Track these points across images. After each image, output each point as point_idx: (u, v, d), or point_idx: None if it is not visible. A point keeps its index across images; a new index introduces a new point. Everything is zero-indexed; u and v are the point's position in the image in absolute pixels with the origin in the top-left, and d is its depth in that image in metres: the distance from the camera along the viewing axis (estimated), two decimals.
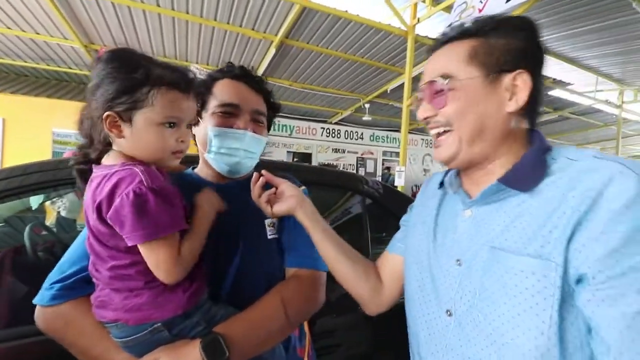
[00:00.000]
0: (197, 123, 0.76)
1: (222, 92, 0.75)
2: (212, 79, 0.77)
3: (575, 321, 0.43)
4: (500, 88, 0.51)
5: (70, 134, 5.46)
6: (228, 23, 3.99)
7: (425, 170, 9.34)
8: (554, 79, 5.72)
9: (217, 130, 0.72)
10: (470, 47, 0.53)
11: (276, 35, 4.21)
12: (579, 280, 0.42)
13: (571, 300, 0.43)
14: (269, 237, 0.77)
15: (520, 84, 0.51)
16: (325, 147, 8.20)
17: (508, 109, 0.51)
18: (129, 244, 0.52)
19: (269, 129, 0.86)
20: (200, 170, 0.81)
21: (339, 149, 8.38)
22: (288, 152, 7.71)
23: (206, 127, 0.73)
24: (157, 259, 0.54)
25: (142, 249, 0.53)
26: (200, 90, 0.73)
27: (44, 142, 5.21)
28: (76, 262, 0.65)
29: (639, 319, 0.37)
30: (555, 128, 9.01)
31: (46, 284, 0.64)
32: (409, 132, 5.82)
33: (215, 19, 3.91)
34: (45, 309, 0.62)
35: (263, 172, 0.73)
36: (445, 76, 0.53)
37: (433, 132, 0.58)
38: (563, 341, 0.42)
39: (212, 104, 0.74)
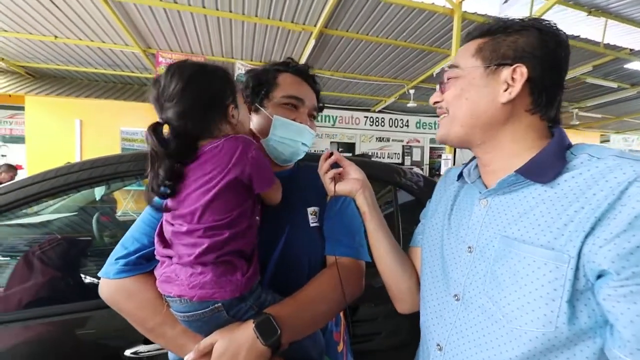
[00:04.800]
0: (256, 110, 0.80)
1: (289, 85, 0.80)
2: (277, 71, 0.82)
3: (589, 312, 0.43)
4: (498, 80, 0.54)
5: (136, 132, 6.05)
6: (268, 18, 4.09)
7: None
8: (631, 50, 4.99)
9: (283, 121, 0.77)
10: (479, 43, 0.57)
11: (315, 25, 4.22)
12: (599, 276, 0.42)
13: (584, 292, 0.43)
14: (311, 224, 0.79)
15: (517, 77, 0.53)
16: (369, 136, 8.10)
17: (502, 99, 0.54)
18: (266, 189, 0.67)
19: None
20: None
21: (383, 138, 8.22)
22: (332, 142, 7.74)
23: (269, 115, 0.77)
24: (278, 187, 0.73)
25: (270, 190, 0.70)
26: (267, 80, 0.80)
27: (113, 139, 5.84)
28: (137, 239, 0.71)
29: None
30: (632, 106, 7.89)
31: (111, 259, 0.70)
32: None
33: (256, 15, 4.03)
34: (109, 282, 0.68)
35: (333, 151, 0.75)
36: (452, 66, 0.60)
37: (440, 117, 0.63)
38: (571, 330, 0.43)
39: (278, 94, 0.78)
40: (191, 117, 0.64)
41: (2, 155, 6.09)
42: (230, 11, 3.94)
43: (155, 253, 0.67)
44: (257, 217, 0.71)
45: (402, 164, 8.15)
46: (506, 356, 0.47)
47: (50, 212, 1.56)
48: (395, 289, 0.73)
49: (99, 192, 1.51)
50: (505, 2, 3.21)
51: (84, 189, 1.16)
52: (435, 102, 0.63)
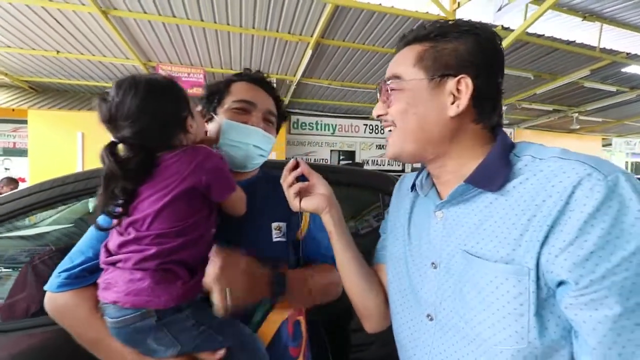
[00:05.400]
0: (210, 119, 0.80)
1: (240, 91, 0.80)
2: (230, 81, 0.83)
3: (556, 320, 0.43)
4: (444, 92, 0.52)
5: None
6: (266, 29, 4.16)
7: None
8: (628, 54, 5.02)
9: (230, 124, 0.76)
10: (419, 51, 0.54)
11: (312, 36, 4.28)
12: (559, 284, 0.43)
13: (548, 299, 0.43)
14: (274, 240, 0.77)
15: (463, 88, 0.51)
16: (369, 144, 8.12)
17: (450, 113, 0.52)
18: (225, 197, 0.68)
19: (277, 132, 0.89)
20: None
21: (383, 145, 8.22)
22: (332, 150, 7.76)
23: (221, 121, 0.77)
24: (240, 197, 0.73)
25: (231, 200, 0.70)
26: (219, 89, 0.80)
27: None
28: (84, 252, 0.69)
29: (620, 322, 0.38)
30: (632, 109, 7.89)
31: (56, 272, 0.68)
32: None
33: (253, 27, 4.10)
34: (53, 295, 0.67)
35: (299, 160, 0.68)
36: (393, 77, 0.56)
37: (386, 130, 0.60)
38: (544, 343, 0.43)
39: (229, 100, 0.79)
40: (150, 135, 0.64)
41: (5, 169, 6.16)
42: (228, 24, 4.01)
43: (100, 262, 0.66)
44: (212, 229, 0.70)
45: (403, 171, 8.16)
46: None
47: (49, 223, 1.58)
48: (362, 307, 0.70)
49: (92, 203, 1.52)
50: (499, 10, 3.25)
51: (81, 199, 1.18)
52: (379, 115, 0.59)
